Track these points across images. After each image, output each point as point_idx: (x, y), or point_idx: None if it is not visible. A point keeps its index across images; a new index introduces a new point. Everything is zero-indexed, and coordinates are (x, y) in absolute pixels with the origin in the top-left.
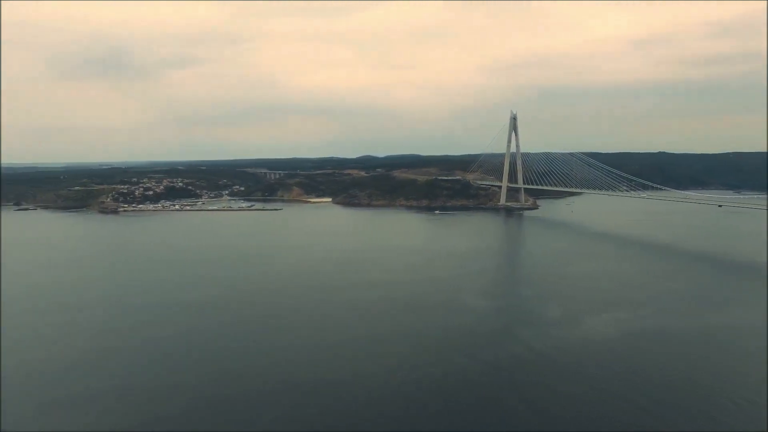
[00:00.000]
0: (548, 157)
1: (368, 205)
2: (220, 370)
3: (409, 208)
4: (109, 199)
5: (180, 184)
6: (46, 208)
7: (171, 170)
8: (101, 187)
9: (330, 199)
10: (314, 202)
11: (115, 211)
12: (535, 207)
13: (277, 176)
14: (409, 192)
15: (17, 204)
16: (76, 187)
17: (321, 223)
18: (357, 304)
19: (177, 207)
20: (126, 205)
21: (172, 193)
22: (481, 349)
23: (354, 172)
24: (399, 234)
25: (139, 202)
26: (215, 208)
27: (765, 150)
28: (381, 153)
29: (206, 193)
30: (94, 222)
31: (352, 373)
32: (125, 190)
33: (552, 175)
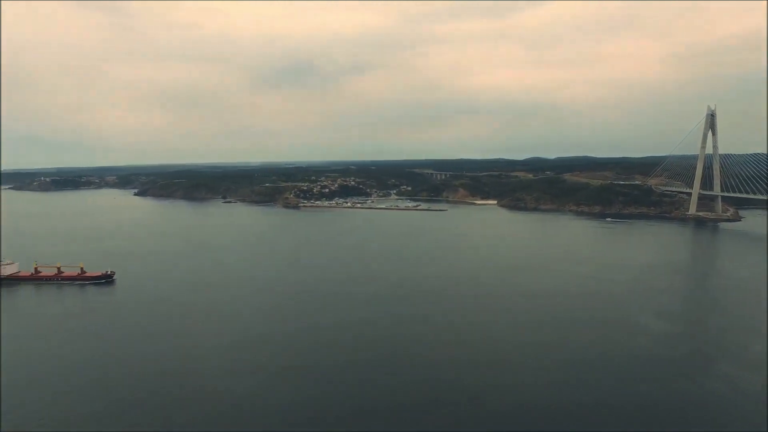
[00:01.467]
0: (757, 159)
1: (535, 209)
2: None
3: (579, 214)
4: (291, 196)
5: (352, 183)
6: (243, 201)
7: (345, 170)
8: (286, 184)
9: (495, 202)
10: (479, 204)
11: (296, 207)
12: (736, 218)
13: (443, 177)
14: (581, 197)
15: (223, 197)
16: (266, 184)
17: (486, 226)
18: (517, 315)
19: (348, 204)
20: (305, 201)
21: (345, 191)
22: (669, 381)
23: (521, 174)
24: (568, 241)
25: (316, 199)
26: (383, 206)
27: None
28: (551, 154)
29: (375, 191)
30: (280, 215)
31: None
32: (305, 188)
33: (763, 181)
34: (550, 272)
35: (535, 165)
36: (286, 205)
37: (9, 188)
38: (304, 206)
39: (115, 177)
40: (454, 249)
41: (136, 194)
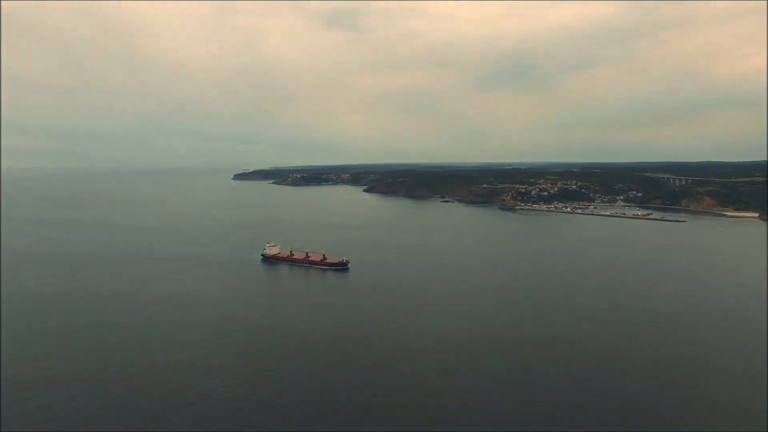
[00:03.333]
0: None
1: None
2: None
3: None
4: (508, 197)
5: (573, 186)
6: (460, 201)
7: (566, 172)
8: (503, 185)
9: (756, 214)
10: (731, 216)
11: (512, 209)
12: None
13: (683, 183)
14: None
15: (442, 196)
16: (484, 185)
17: (747, 244)
18: None
19: (568, 209)
20: (522, 204)
21: (565, 195)
22: None
23: None
24: None
25: (534, 202)
26: (607, 213)
27: None
28: None
29: (599, 197)
30: (497, 216)
31: None
32: (523, 190)
33: None
34: None
35: None
36: (503, 207)
37: (272, 182)
38: (521, 209)
39: (348, 175)
40: (713, 270)
41: (365, 191)
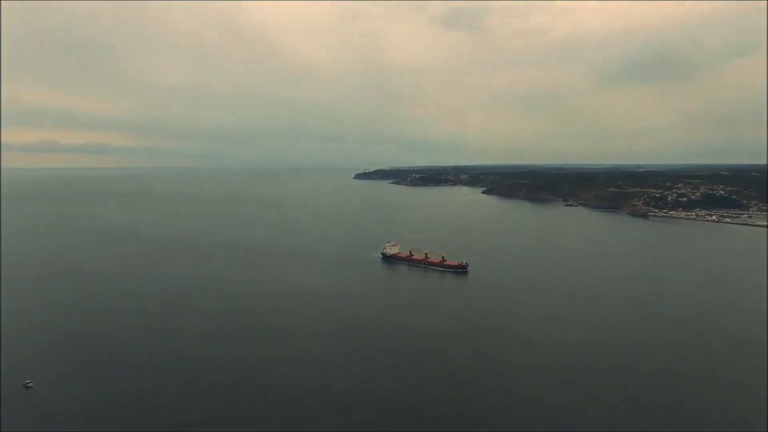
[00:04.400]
0: None
1: None
2: None
3: None
4: (640, 203)
5: (721, 192)
6: (585, 205)
7: (712, 175)
8: (634, 189)
9: None
10: None
11: (644, 215)
12: None
13: None
14: None
15: (565, 200)
16: (612, 189)
17: None
18: None
19: (714, 218)
20: (656, 210)
21: (710, 201)
22: None
23: None
24: None
25: (671, 208)
26: (764, 223)
27: None
28: None
29: (756, 204)
30: (628, 224)
31: None
32: (657, 195)
33: None
34: None
35: None
36: (633, 213)
37: (391, 182)
38: (654, 215)
39: (467, 176)
40: None
41: (483, 192)
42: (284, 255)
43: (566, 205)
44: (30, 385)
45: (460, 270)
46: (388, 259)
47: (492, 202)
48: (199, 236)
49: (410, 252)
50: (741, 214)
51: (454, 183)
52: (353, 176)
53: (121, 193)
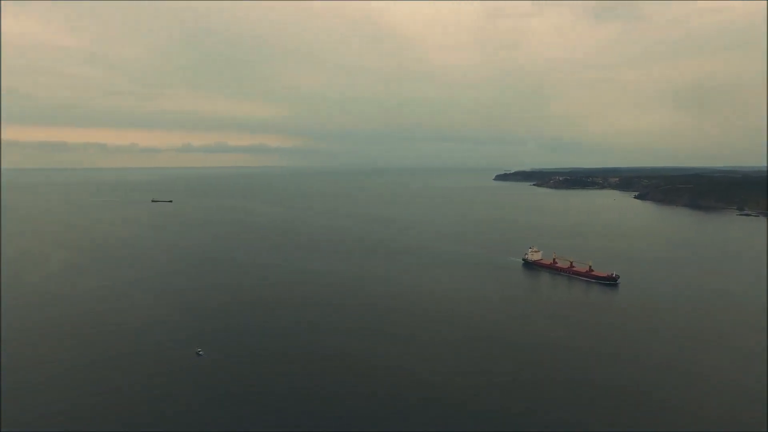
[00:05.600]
0: None
1: None
2: None
3: None
4: None
5: None
6: (765, 214)
7: None
8: None
9: None
10: None
11: None
12: None
13: None
14: None
15: (739, 208)
16: None
17: None
18: None
19: None
20: None
21: None
22: None
23: None
24: None
25: None
26: None
27: None
28: None
29: None
30: None
31: None
32: None
33: None
34: None
35: None
36: None
37: (533, 184)
38: None
39: (618, 178)
40: None
41: (636, 197)
42: (422, 255)
43: (741, 214)
44: (200, 353)
45: (610, 282)
46: (530, 266)
47: (646, 208)
48: (339, 233)
49: (554, 259)
50: None
51: (602, 186)
52: (493, 177)
53: (279, 188)
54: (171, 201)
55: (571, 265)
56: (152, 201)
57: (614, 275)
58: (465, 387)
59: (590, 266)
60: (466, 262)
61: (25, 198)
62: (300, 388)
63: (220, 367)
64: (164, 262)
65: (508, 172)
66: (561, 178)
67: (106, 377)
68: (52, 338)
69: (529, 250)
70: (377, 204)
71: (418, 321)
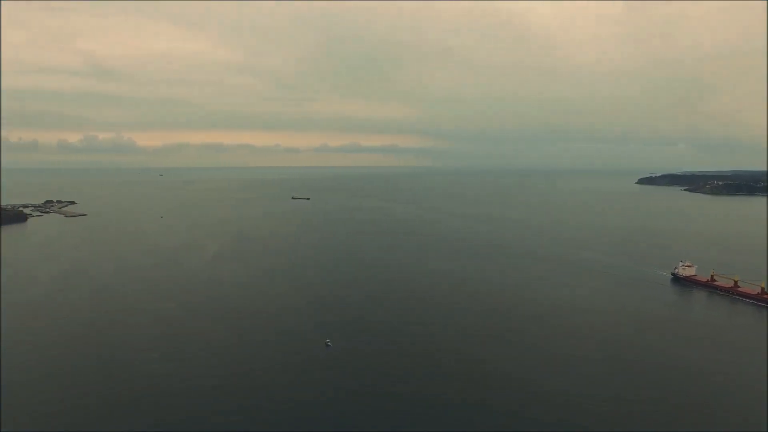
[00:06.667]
0: None
1: None
2: None
3: None
4: None
5: None
6: None
7: None
8: None
9: None
10: None
11: None
12: None
13: None
14: None
15: None
16: None
17: None
18: None
19: None
20: None
21: None
22: None
23: None
24: None
25: None
26: None
27: None
28: None
29: None
30: None
31: None
32: None
33: None
34: None
35: None
36: None
37: (684, 189)
38: None
39: None
40: None
41: None
42: (565, 263)
43: None
44: (329, 344)
45: None
46: (681, 282)
47: None
48: (474, 236)
49: (711, 276)
50: None
51: None
52: (636, 181)
53: (407, 188)
54: (309, 198)
55: (736, 285)
56: (292, 198)
57: None
58: (595, 412)
59: (763, 288)
60: (610, 273)
61: (185, 194)
62: (419, 391)
63: (347, 360)
64: (302, 255)
65: (653, 175)
66: (720, 183)
67: (249, 358)
68: (204, 317)
69: (681, 264)
70: (519, 208)
71: (556, 334)
